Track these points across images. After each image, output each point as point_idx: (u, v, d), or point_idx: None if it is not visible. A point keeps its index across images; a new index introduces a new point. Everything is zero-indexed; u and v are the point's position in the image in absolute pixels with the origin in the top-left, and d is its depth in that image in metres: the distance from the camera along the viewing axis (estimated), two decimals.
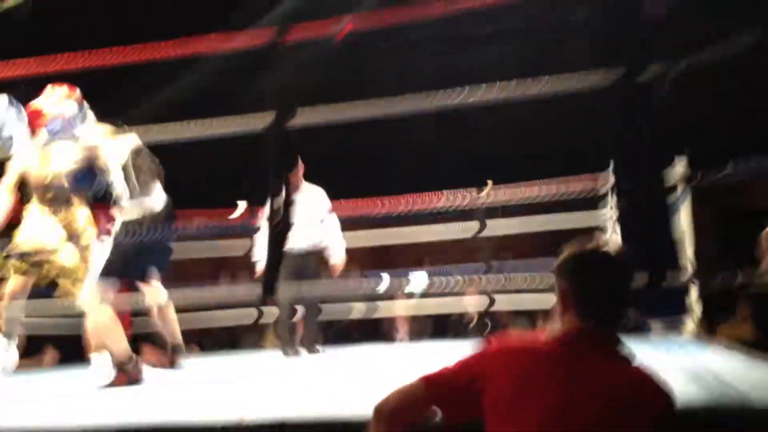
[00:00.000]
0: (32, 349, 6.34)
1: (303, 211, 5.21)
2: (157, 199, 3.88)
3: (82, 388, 3.93)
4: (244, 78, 5.61)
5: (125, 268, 3.83)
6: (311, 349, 5.58)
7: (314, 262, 5.56)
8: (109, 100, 4.12)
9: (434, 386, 1.82)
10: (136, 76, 4.10)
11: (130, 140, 3.86)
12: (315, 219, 5.37)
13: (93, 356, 4.51)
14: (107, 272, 3.79)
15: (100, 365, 4.30)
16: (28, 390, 4.31)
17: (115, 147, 3.80)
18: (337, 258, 5.67)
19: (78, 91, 3.95)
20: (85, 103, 3.95)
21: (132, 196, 3.76)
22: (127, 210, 3.77)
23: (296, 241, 5.22)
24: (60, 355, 6.51)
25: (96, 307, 3.91)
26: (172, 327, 4.20)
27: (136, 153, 3.82)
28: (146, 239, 3.72)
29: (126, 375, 3.81)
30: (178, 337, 4.18)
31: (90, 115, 3.96)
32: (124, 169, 3.74)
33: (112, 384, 3.84)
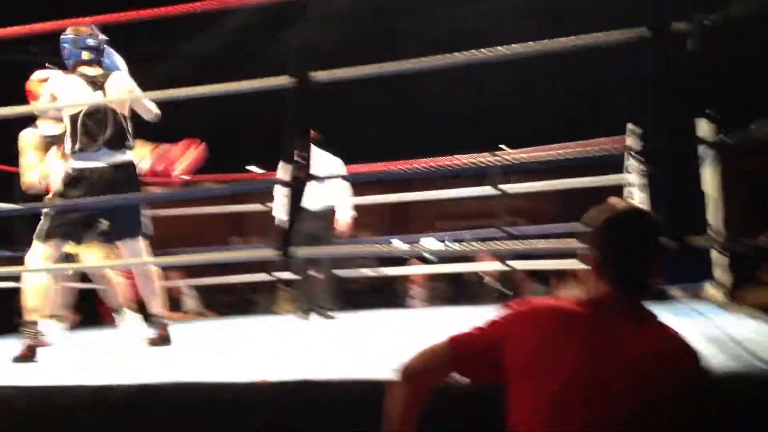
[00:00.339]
0: None
1: (316, 171, 5.34)
2: None
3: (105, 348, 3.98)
4: (262, 35, 5.55)
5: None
6: (325, 314, 5.56)
7: (325, 223, 5.59)
8: (131, 55, 4.09)
9: (460, 347, 1.79)
10: (154, 32, 4.06)
11: None
12: (327, 181, 5.41)
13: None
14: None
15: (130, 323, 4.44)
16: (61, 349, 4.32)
17: None
18: (344, 219, 5.67)
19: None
20: None
21: None
22: None
23: (309, 201, 5.30)
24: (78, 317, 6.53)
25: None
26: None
27: None
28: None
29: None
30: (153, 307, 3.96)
31: None
32: None
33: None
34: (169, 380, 2.57)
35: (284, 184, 2.68)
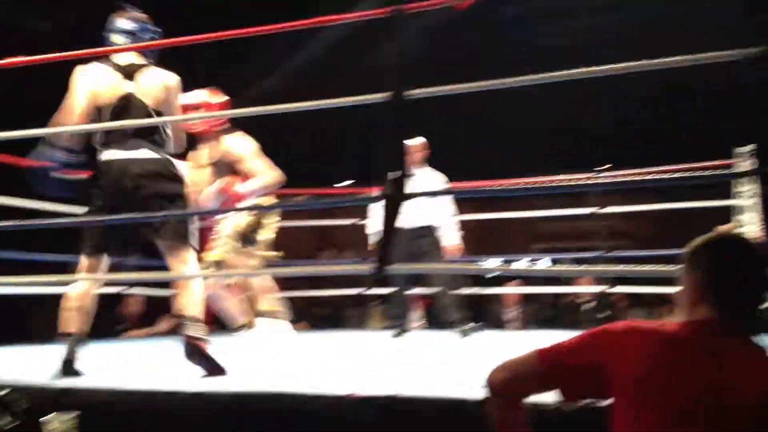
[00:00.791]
0: (148, 319, 6.61)
1: (418, 188, 5.23)
2: None
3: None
4: (361, 50, 5.60)
5: None
6: (464, 331, 5.36)
7: (428, 240, 5.47)
8: (230, 72, 4.13)
9: (551, 361, 1.72)
10: (255, 50, 4.11)
11: None
12: (429, 198, 5.34)
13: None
14: None
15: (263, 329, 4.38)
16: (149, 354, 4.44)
17: None
18: (450, 240, 5.56)
19: None
20: None
21: None
22: None
23: (408, 218, 5.27)
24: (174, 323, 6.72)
25: None
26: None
27: None
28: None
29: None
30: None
31: None
32: None
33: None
34: (261, 390, 2.59)
35: (378, 200, 2.64)
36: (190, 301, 3.29)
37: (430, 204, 5.38)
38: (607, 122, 7.75)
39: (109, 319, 6.49)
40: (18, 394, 2.70)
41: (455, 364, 3.76)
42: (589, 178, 5.51)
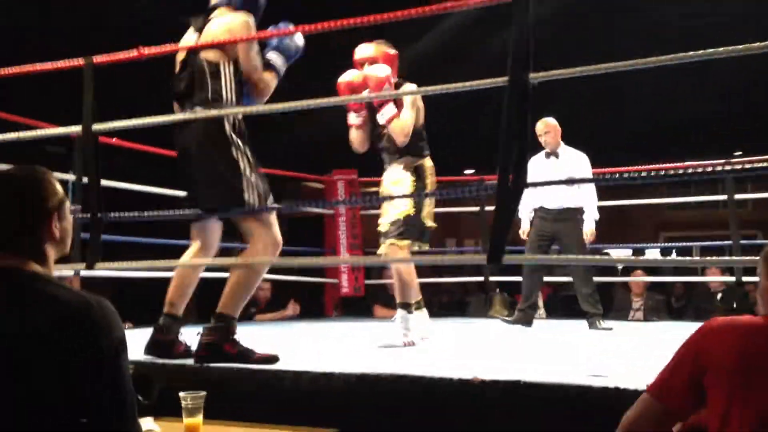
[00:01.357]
0: (276, 303, 6.86)
1: (561, 169, 5.22)
2: None
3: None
4: (482, 34, 5.57)
5: None
6: (597, 325, 5.18)
7: (570, 224, 5.29)
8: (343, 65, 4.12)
9: (665, 395, 1.69)
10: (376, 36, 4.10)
11: None
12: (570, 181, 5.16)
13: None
14: None
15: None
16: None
17: None
18: (590, 226, 5.36)
19: None
20: None
21: None
22: None
23: (553, 198, 5.22)
24: (300, 308, 6.94)
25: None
26: None
27: None
28: None
29: None
30: None
31: None
32: None
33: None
34: (386, 371, 2.66)
35: (497, 189, 2.62)
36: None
37: (575, 186, 5.22)
38: (740, 108, 7.42)
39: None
40: (157, 371, 2.89)
41: (579, 353, 3.73)
42: (719, 165, 5.30)
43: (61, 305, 1.49)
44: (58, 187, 1.67)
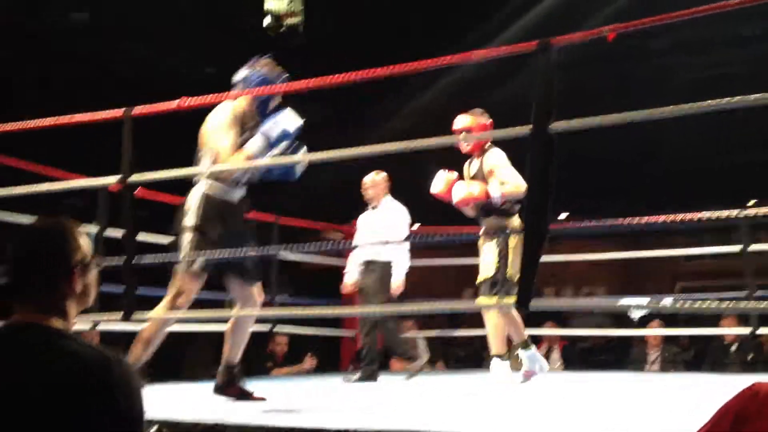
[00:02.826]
0: (293, 357, 6.84)
1: (379, 221, 5.43)
2: None
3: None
4: (504, 85, 5.68)
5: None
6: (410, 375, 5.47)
7: (376, 275, 5.43)
8: (364, 115, 4.25)
9: None
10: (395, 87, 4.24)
11: None
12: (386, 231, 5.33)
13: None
14: None
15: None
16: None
17: None
18: (397, 278, 5.48)
19: None
20: None
21: None
22: None
23: (363, 251, 5.46)
24: (318, 361, 6.91)
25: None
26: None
27: None
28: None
29: None
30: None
31: None
32: None
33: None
34: (373, 427, 2.60)
35: (525, 235, 2.68)
36: None
37: (386, 237, 5.33)
38: (756, 155, 7.46)
39: (258, 356, 6.77)
40: (168, 430, 2.87)
41: (599, 406, 3.71)
42: (735, 214, 5.30)
43: (80, 362, 1.47)
44: (83, 240, 1.65)
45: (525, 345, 4.51)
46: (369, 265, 5.43)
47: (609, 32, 2.65)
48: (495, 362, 4.49)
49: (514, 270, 4.25)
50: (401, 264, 5.49)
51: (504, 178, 4.38)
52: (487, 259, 4.44)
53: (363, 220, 5.58)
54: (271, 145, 3.54)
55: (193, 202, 3.52)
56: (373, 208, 5.55)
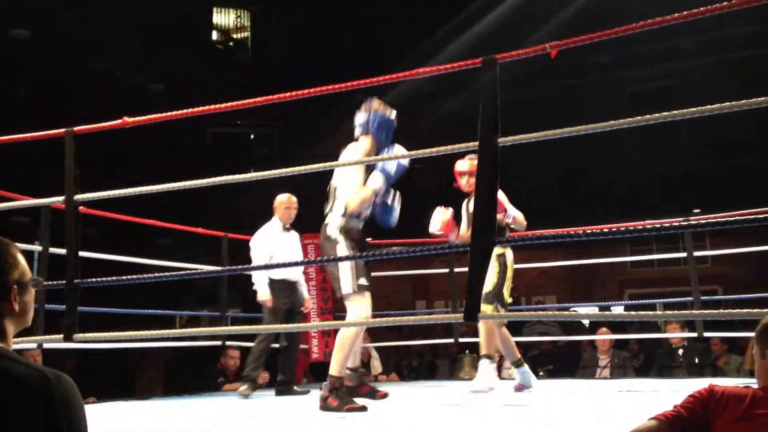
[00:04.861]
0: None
1: (294, 243, 5.78)
2: None
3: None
4: (447, 100, 5.74)
5: None
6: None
7: (297, 294, 5.79)
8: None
9: (675, 425, 1.97)
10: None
11: None
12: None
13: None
14: None
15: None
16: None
17: None
18: (305, 295, 5.93)
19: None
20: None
21: None
22: None
23: (288, 273, 5.67)
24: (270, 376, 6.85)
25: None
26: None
27: None
28: None
29: None
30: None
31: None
32: None
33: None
34: None
35: (471, 247, 2.71)
36: None
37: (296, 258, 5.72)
38: (698, 165, 7.66)
39: (210, 372, 6.70)
40: None
41: (557, 413, 3.75)
42: (680, 222, 5.44)
43: (18, 381, 1.44)
44: (20, 258, 1.63)
45: (519, 363, 4.90)
46: (296, 284, 5.77)
47: (552, 48, 2.71)
48: (484, 363, 4.73)
49: (506, 286, 4.75)
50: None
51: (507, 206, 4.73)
52: (488, 274, 4.77)
53: (280, 238, 5.69)
54: (388, 179, 4.08)
55: (335, 235, 4.08)
56: (288, 228, 5.76)
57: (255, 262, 5.56)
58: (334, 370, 3.98)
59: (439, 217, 4.74)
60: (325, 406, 3.92)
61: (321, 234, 4.17)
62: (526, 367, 4.92)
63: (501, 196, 4.70)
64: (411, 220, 4.43)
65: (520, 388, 4.86)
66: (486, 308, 4.63)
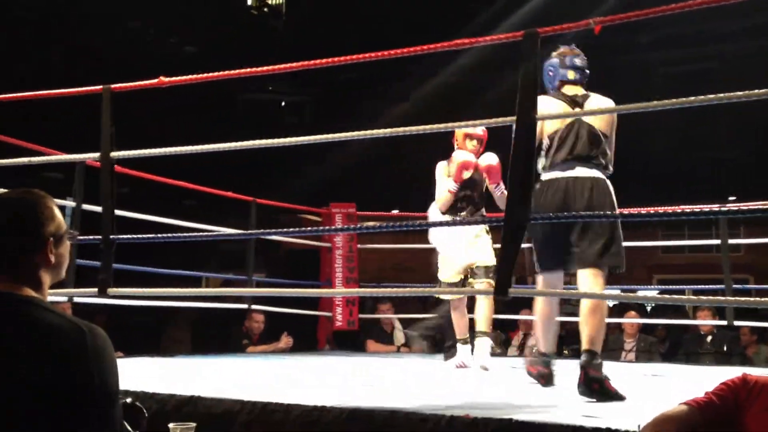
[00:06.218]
0: (270, 336, 6.84)
1: None
2: None
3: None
4: (493, 75, 5.67)
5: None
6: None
7: None
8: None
9: (706, 411, 1.97)
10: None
11: None
12: None
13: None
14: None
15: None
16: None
17: None
18: None
19: None
20: None
21: None
22: None
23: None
24: (294, 341, 6.90)
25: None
26: None
27: None
28: None
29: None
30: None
31: None
32: None
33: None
34: (378, 406, 2.68)
35: (505, 223, 2.68)
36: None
37: None
38: (737, 152, 7.52)
39: (235, 334, 6.77)
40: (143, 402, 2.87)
41: (571, 393, 3.73)
42: (713, 209, 5.34)
43: (53, 331, 1.48)
44: (57, 212, 1.66)
45: (465, 341, 4.96)
46: None
47: (596, 24, 2.65)
48: (484, 339, 4.81)
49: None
50: None
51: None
52: (486, 249, 4.87)
53: None
54: None
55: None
56: None
57: None
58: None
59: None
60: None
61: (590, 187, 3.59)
62: (469, 346, 4.92)
63: (496, 163, 4.69)
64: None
65: (461, 366, 4.86)
66: (482, 284, 4.73)
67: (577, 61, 3.75)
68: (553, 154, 3.59)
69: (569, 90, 3.71)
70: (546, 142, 3.61)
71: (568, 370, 4.72)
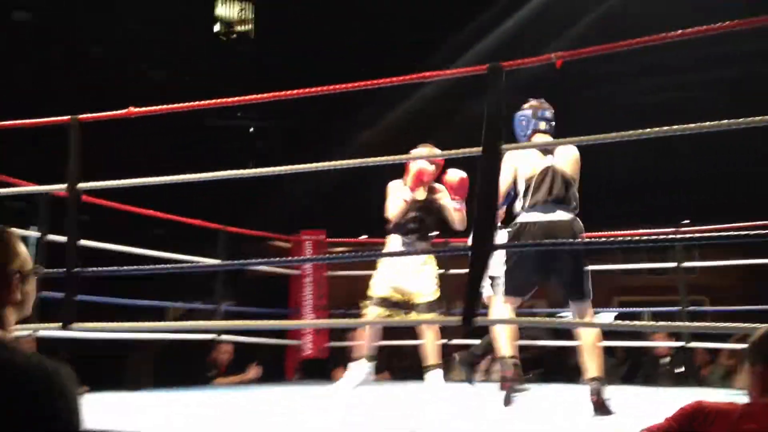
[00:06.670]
0: (237, 366, 6.79)
1: None
2: None
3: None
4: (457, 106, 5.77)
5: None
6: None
7: None
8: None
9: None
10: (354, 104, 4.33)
11: None
12: None
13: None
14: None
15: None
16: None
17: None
18: None
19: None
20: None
21: None
22: None
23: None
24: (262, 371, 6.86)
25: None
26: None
27: None
28: None
29: None
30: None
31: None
32: None
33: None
34: None
35: (472, 251, 2.75)
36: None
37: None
38: (690, 176, 7.72)
39: (201, 365, 6.69)
40: None
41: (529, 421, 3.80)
42: (670, 233, 5.51)
43: (16, 371, 1.44)
44: (22, 248, 1.63)
45: (371, 359, 4.89)
46: None
47: (558, 58, 2.76)
48: (436, 373, 4.80)
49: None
50: None
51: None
52: (429, 282, 4.77)
53: None
54: None
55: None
56: None
57: None
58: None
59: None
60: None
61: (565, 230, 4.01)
62: (366, 366, 4.84)
63: (466, 176, 4.55)
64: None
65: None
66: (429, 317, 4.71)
67: (547, 114, 4.15)
68: (531, 196, 3.98)
69: (540, 139, 4.08)
70: (522, 186, 3.99)
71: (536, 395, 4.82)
